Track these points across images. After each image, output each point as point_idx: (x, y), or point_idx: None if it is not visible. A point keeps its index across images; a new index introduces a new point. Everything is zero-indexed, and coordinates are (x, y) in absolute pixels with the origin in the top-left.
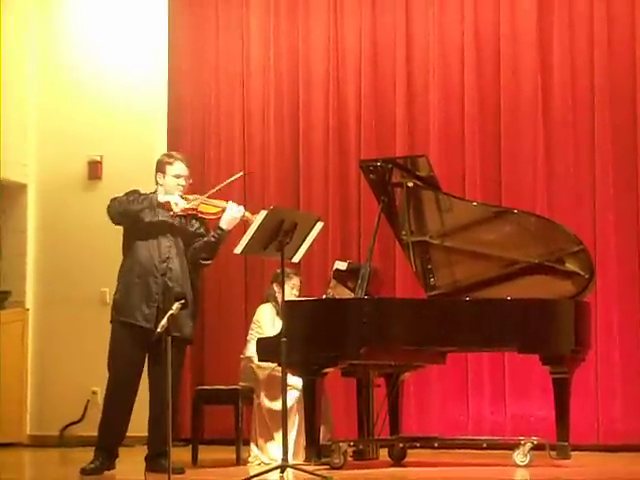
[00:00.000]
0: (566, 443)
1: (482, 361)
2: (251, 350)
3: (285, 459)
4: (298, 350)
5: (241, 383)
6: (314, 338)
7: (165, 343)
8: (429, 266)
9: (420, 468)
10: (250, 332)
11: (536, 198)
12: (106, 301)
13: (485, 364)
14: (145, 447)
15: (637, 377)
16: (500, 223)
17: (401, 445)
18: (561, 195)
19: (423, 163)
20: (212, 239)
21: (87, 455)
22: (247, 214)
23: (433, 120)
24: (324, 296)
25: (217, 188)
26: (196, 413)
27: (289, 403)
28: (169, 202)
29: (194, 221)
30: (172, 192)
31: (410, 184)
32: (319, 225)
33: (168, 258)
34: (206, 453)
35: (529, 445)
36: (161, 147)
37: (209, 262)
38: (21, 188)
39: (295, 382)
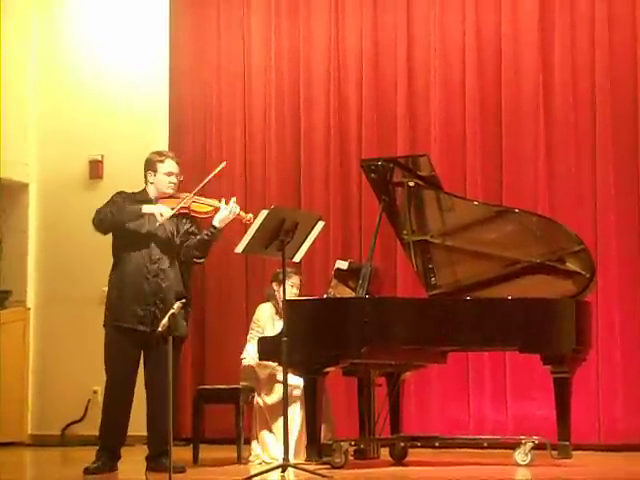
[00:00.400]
0: (567, 442)
1: (483, 360)
2: (250, 350)
3: (286, 458)
4: (299, 349)
5: (242, 383)
6: (315, 337)
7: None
8: (430, 265)
9: (421, 467)
10: (250, 331)
11: (537, 198)
12: None
13: (486, 363)
14: (145, 446)
15: (638, 376)
16: (501, 222)
17: (402, 444)
18: (562, 195)
19: (424, 162)
20: (205, 237)
21: (88, 454)
22: (241, 213)
23: (434, 120)
24: (325, 295)
25: (203, 183)
26: (197, 412)
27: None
28: (154, 214)
29: (185, 220)
30: (163, 190)
31: (411, 183)
32: (320, 224)
33: (159, 259)
34: (207, 452)
35: (530, 444)
36: (162, 147)
37: (202, 260)
38: (22, 187)
39: (295, 382)
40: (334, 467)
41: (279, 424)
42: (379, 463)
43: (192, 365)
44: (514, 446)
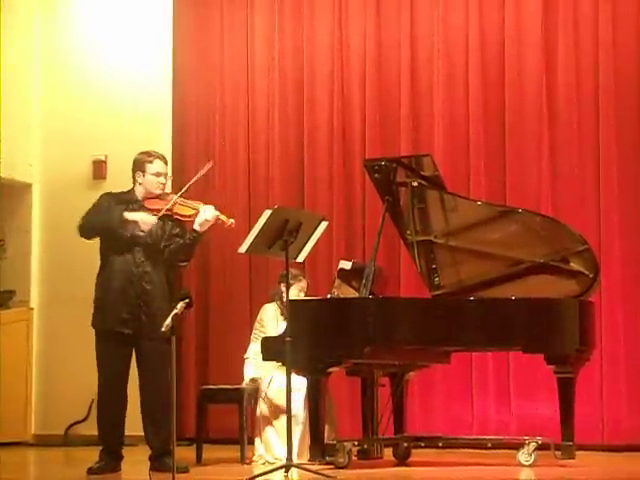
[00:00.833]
0: (571, 443)
1: (487, 361)
2: (254, 350)
3: (289, 458)
4: (303, 349)
5: (245, 383)
6: (319, 337)
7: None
8: (434, 265)
9: (424, 468)
10: (254, 331)
11: (540, 198)
12: None
13: (490, 364)
14: (148, 446)
15: None
16: (505, 223)
17: (405, 444)
18: (566, 195)
19: (428, 163)
20: (187, 241)
21: (92, 454)
22: (221, 217)
23: (438, 120)
24: (329, 295)
25: (190, 184)
26: (200, 412)
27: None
28: (136, 222)
29: (171, 222)
30: (151, 190)
31: (415, 183)
32: (323, 224)
33: (143, 262)
34: (210, 452)
35: (534, 445)
36: (166, 147)
37: (186, 263)
38: (26, 188)
39: (298, 384)
40: (337, 467)
41: (282, 421)
42: (382, 463)
43: (196, 365)
44: (517, 446)
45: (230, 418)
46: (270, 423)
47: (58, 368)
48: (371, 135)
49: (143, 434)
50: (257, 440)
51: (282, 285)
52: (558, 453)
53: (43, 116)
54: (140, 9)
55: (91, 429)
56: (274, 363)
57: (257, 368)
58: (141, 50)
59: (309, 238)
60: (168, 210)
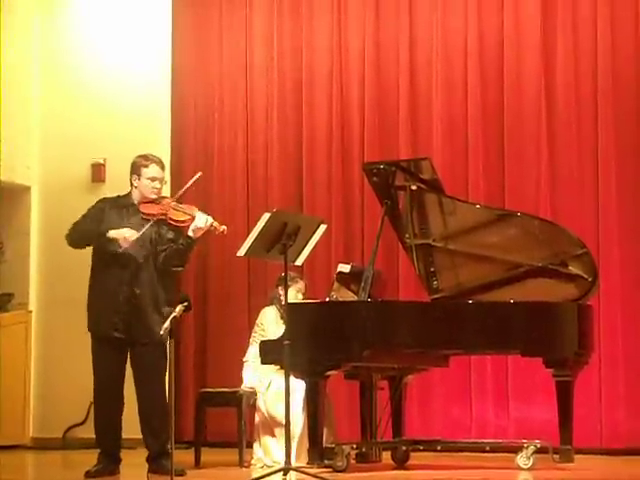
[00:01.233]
0: (569, 446)
1: (485, 364)
2: (252, 353)
3: (288, 462)
4: (301, 353)
5: (244, 386)
6: (317, 341)
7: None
8: (432, 269)
9: (423, 471)
10: (253, 335)
11: (539, 201)
12: None
13: (488, 367)
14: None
15: None
16: (503, 226)
17: (404, 448)
18: (564, 198)
19: (426, 166)
20: (180, 247)
21: (90, 457)
22: (215, 224)
23: (436, 123)
24: (327, 299)
25: (180, 192)
26: (199, 415)
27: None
28: (117, 240)
29: (166, 227)
30: (147, 195)
31: (414, 187)
32: (322, 228)
33: (135, 266)
34: (209, 455)
35: (532, 448)
36: (164, 150)
37: (180, 269)
38: (25, 190)
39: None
40: (336, 470)
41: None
42: (381, 467)
43: (194, 368)
44: (516, 450)
45: (228, 421)
46: (268, 426)
47: (56, 371)
48: (370, 138)
49: (141, 437)
50: (255, 443)
51: (280, 288)
52: (556, 456)
53: (42, 118)
54: (138, 11)
55: (89, 432)
56: (273, 366)
57: (256, 371)
58: (140, 52)
59: (308, 241)
60: (162, 215)
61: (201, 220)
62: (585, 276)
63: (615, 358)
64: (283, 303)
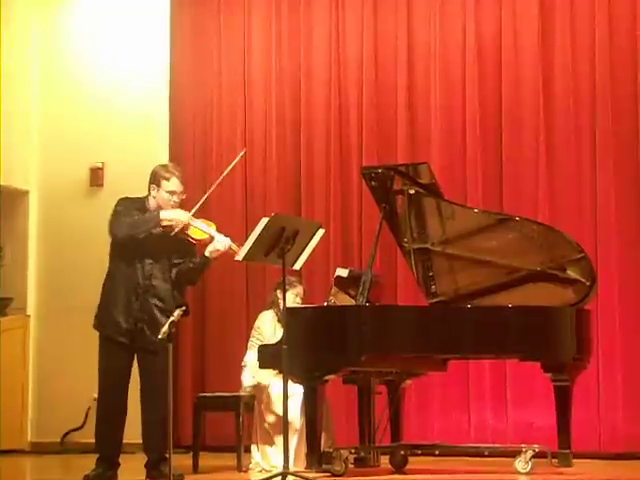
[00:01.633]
0: (568, 450)
1: (483, 368)
2: (251, 357)
3: (286, 466)
4: (299, 357)
5: (242, 391)
6: (315, 345)
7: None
8: (430, 273)
9: (421, 475)
10: (251, 339)
11: (537, 205)
12: None
13: (486, 371)
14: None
15: (638, 384)
16: (502, 230)
17: (402, 452)
18: (562, 203)
19: (425, 170)
20: (196, 266)
21: (88, 462)
22: (233, 247)
23: (435, 127)
24: (325, 303)
25: (198, 205)
26: (197, 420)
27: (292, 412)
28: (171, 220)
29: (182, 241)
30: (163, 206)
31: (412, 191)
32: (320, 232)
33: (151, 275)
34: (207, 460)
35: (531, 452)
36: (163, 154)
37: (191, 285)
38: (23, 195)
39: (295, 390)
40: (334, 475)
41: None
42: (379, 471)
43: (192, 372)
44: (515, 454)
45: (227, 426)
46: (267, 432)
47: (55, 375)
48: (368, 142)
49: (141, 442)
50: (254, 448)
51: (279, 292)
52: (555, 461)
53: (41, 123)
54: (137, 16)
55: (87, 436)
56: (271, 371)
57: (254, 376)
58: (138, 57)
59: (306, 246)
60: (182, 231)
61: (220, 243)
62: (583, 280)
63: (613, 362)
64: (281, 307)
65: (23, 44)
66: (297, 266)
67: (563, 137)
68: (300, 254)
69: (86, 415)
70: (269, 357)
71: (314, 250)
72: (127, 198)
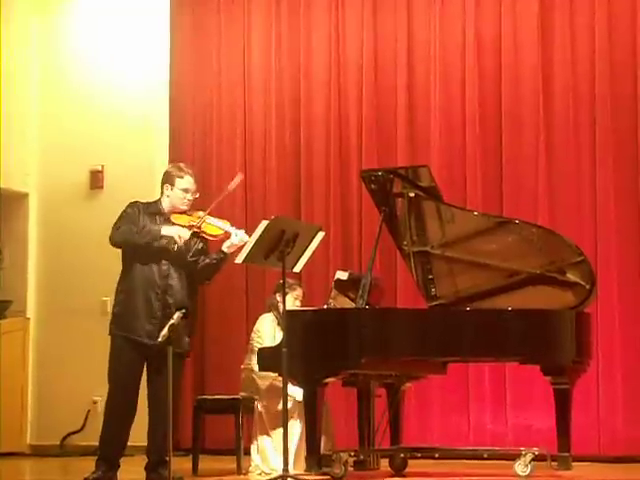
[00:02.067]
0: (567, 454)
1: (483, 371)
2: (252, 360)
3: (286, 469)
4: (299, 360)
5: (242, 393)
6: (315, 348)
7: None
8: (430, 276)
9: (421, 478)
10: (250, 342)
11: (537, 208)
12: (107, 311)
13: (486, 374)
14: (145, 456)
15: (638, 388)
16: (501, 233)
17: (402, 455)
18: (562, 206)
19: (424, 173)
20: (213, 262)
21: (88, 464)
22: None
23: (434, 129)
24: (325, 306)
25: (216, 202)
26: (197, 423)
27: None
28: (172, 237)
29: (196, 239)
30: (177, 205)
31: (412, 194)
32: (320, 235)
33: (168, 275)
34: (207, 463)
35: (530, 456)
36: (163, 157)
37: (208, 282)
38: (22, 197)
39: (295, 392)
40: (334, 478)
41: (278, 432)
42: (379, 474)
43: (192, 375)
44: (514, 457)
45: (226, 428)
46: (267, 433)
47: (54, 378)
48: (368, 145)
49: (139, 444)
50: (253, 450)
51: (278, 295)
52: (555, 464)
53: (40, 125)
54: (136, 17)
55: (87, 439)
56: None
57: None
58: (138, 60)
59: (306, 249)
60: (196, 228)
61: (239, 238)
62: (583, 283)
63: (613, 365)
64: (281, 310)
65: (22, 45)
66: (297, 269)
67: (563, 137)
68: (300, 257)
69: (86, 418)
70: (269, 360)
71: (314, 253)
72: (138, 202)
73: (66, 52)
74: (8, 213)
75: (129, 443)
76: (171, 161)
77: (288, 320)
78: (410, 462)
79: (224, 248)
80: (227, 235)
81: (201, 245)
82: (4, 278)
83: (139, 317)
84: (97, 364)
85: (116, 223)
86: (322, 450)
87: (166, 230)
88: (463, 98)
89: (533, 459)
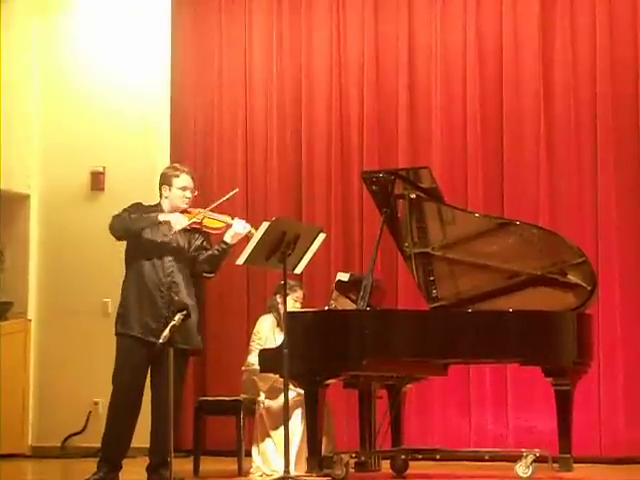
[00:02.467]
0: (568, 455)
1: (484, 373)
2: (252, 361)
3: (287, 470)
4: (300, 361)
5: (243, 395)
6: (316, 349)
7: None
8: (431, 278)
9: None
10: (251, 343)
11: (538, 210)
12: (108, 312)
13: (487, 376)
14: (147, 458)
15: None
16: (502, 235)
17: (403, 457)
18: (563, 207)
19: (426, 175)
20: (215, 252)
21: (89, 466)
22: (253, 230)
23: (435, 130)
24: (326, 307)
25: (217, 203)
26: (198, 424)
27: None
28: (169, 222)
29: (197, 235)
30: (177, 204)
31: (413, 195)
32: (321, 236)
33: (172, 272)
34: (208, 464)
35: (531, 457)
36: (164, 158)
37: (212, 275)
38: (24, 199)
39: (297, 391)
40: (335, 479)
41: (280, 432)
42: (380, 476)
43: (193, 376)
44: (515, 459)
45: (228, 430)
46: (268, 435)
47: (55, 380)
48: (369, 143)
49: (141, 445)
50: (254, 452)
51: (278, 296)
52: (556, 465)
53: (41, 127)
54: (137, 19)
55: (88, 441)
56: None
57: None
58: (139, 61)
59: (307, 250)
60: (197, 223)
61: (240, 226)
62: (584, 285)
63: (614, 367)
64: (281, 311)
65: (23, 47)
66: (298, 270)
67: (564, 136)
68: (301, 258)
69: (87, 419)
70: (270, 361)
71: (315, 254)
72: (140, 204)
73: (67, 53)
74: (9, 215)
75: (132, 444)
76: (172, 162)
77: (289, 321)
78: (411, 464)
79: (227, 238)
80: (229, 227)
81: (202, 241)
82: (5, 280)
83: (144, 315)
84: (98, 365)
85: (114, 216)
86: (323, 451)
87: (164, 216)
88: (464, 98)
89: (534, 460)
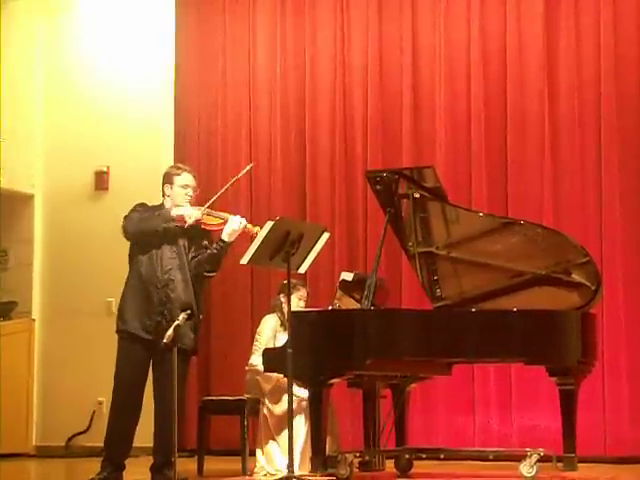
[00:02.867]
0: (573, 454)
1: (488, 372)
2: (256, 361)
3: (291, 470)
4: (304, 361)
5: (246, 395)
6: (320, 349)
7: (171, 353)
8: (435, 277)
9: (426, 479)
10: (255, 343)
11: (542, 209)
12: (112, 311)
13: (491, 375)
14: (150, 457)
15: None
16: (507, 234)
17: (407, 456)
18: (567, 205)
19: (430, 174)
20: (214, 251)
21: (93, 465)
22: (248, 226)
23: (439, 130)
24: (330, 307)
25: (216, 196)
26: (202, 423)
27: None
28: (183, 215)
29: (197, 234)
30: (180, 202)
31: (417, 195)
32: (325, 236)
33: (170, 269)
34: (212, 463)
35: (536, 456)
36: (168, 158)
37: (213, 274)
38: (28, 199)
39: (300, 393)
40: (339, 479)
41: (284, 435)
42: (384, 475)
43: (197, 376)
44: (520, 458)
45: (232, 429)
46: (272, 437)
47: (60, 379)
48: (373, 143)
49: (145, 445)
50: (258, 451)
51: (282, 295)
52: (560, 465)
53: (45, 127)
54: (141, 19)
55: (92, 440)
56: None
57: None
58: (143, 62)
59: (311, 249)
60: (197, 220)
61: (235, 222)
62: (588, 284)
63: (619, 366)
64: (284, 311)
65: (27, 48)
66: (302, 270)
67: (568, 136)
68: (305, 258)
69: (91, 419)
70: (274, 361)
71: (319, 254)
72: (144, 204)
73: (70, 53)
74: (13, 214)
75: (135, 444)
76: (176, 162)
77: (293, 321)
78: (415, 463)
79: (224, 236)
80: (227, 222)
81: (204, 241)
82: (9, 279)
83: (138, 312)
84: (102, 365)
85: (126, 217)
86: (327, 451)
87: (176, 210)
88: (468, 98)
89: (539, 460)
